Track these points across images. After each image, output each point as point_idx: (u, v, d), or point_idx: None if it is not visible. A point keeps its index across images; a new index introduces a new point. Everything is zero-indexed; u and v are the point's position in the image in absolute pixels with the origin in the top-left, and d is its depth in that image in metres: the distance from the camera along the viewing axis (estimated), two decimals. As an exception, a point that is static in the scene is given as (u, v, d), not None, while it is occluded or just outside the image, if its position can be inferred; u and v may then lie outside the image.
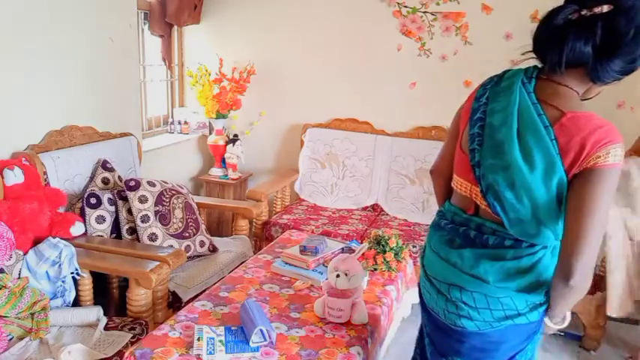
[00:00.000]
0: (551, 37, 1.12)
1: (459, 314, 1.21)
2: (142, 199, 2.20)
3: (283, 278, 1.91)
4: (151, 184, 2.28)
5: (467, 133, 1.21)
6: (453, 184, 1.32)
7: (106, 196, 2.24)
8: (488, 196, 1.15)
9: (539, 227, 1.13)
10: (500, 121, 1.14)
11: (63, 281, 1.86)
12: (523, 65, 1.28)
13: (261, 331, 1.44)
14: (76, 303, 1.93)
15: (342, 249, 2.13)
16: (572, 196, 1.08)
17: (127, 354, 1.42)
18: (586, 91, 1.18)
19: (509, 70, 1.23)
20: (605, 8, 1.06)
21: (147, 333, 1.73)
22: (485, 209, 1.19)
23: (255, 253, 2.32)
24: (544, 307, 1.19)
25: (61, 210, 2.14)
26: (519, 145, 1.11)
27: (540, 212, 1.11)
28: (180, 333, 1.50)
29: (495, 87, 1.20)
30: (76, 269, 1.88)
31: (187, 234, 2.32)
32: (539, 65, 1.21)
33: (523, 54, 1.23)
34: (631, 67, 1.17)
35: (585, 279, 1.08)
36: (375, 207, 3.27)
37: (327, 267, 1.84)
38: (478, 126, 1.18)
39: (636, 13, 1.06)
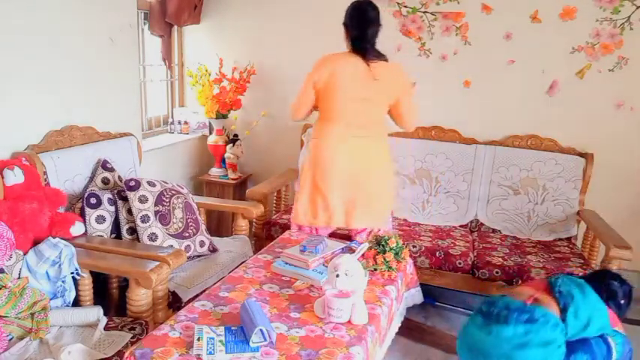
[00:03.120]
0: None
1: None
2: (142, 199, 2.20)
3: (283, 278, 1.91)
4: (151, 184, 2.28)
5: None
6: None
7: (106, 196, 2.24)
8: None
9: None
10: None
11: (63, 281, 1.86)
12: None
13: (261, 331, 1.44)
14: (76, 303, 1.93)
15: (342, 249, 2.13)
16: None
17: (127, 354, 1.42)
18: None
19: None
20: None
21: (147, 333, 1.73)
22: None
23: (255, 253, 2.32)
24: None
25: (61, 210, 2.14)
26: None
27: None
28: (180, 333, 1.50)
29: None
30: (76, 269, 1.88)
31: (187, 234, 2.32)
32: None
33: None
34: None
35: None
36: (375, 207, 3.27)
37: (327, 267, 1.84)
38: None
39: None
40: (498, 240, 2.89)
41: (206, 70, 3.45)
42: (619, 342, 1.76)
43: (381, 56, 2.28)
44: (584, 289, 1.78)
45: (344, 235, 2.51)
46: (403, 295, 2.11)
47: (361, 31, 2.23)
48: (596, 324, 1.71)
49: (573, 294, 1.72)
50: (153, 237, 2.19)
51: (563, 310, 1.67)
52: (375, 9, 2.26)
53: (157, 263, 1.87)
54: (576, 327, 1.68)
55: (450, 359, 2.42)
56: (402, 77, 2.35)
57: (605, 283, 1.85)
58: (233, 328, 1.52)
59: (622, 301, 1.85)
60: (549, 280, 1.83)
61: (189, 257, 2.26)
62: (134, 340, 1.70)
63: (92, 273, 1.95)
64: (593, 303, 1.74)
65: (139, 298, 1.85)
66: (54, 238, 1.93)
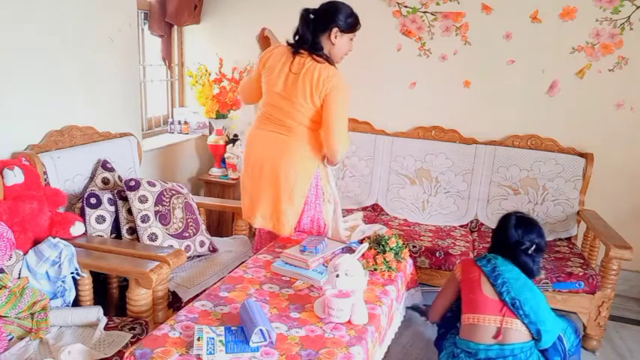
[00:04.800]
0: None
1: None
2: (142, 199, 2.20)
3: (283, 278, 1.91)
4: (151, 184, 2.28)
5: None
6: None
7: (106, 196, 2.24)
8: None
9: None
10: None
11: (63, 281, 1.86)
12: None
13: (261, 331, 1.44)
14: (76, 303, 1.93)
15: (342, 249, 2.13)
16: None
17: (127, 354, 1.42)
18: None
19: None
20: None
21: (147, 333, 1.73)
22: None
23: (255, 253, 2.32)
24: None
25: (61, 210, 2.14)
26: None
27: None
28: (180, 333, 1.50)
29: None
30: (76, 269, 1.87)
31: (187, 234, 2.32)
32: None
33: None
34: None
35: None
36: (375, 207, 3.27)
37: (327, 267, 1.84)
38: None
39: None
40: (498, 240, 2.89)
41: (206, 70, 3.44)
42: (566, 329, 1.90)
43: (314, 51, 2.15)
44: (534, 293, 1.83)
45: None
46: (403, 294, 2.11)
47: (299, 27, 2.20)
48: (557, 324, 1.84)
49: (537, 311, 1.79)
50: (153, 237, 2.19)
51: (537, 334, 1.79)
52: (310, 12, 2.18)
53: (157, 263, 1.87)
54: (549, 339, 1.81)
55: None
56: (328, 83, 2.11)
57: (532, 260, 1.90)
58: (233, 328, 1.52)
59: (542, 251, 1.94)
60: (500, 294, 1.81)
61: (189, 257, 2.26)
62: (134, 340, 1.70)
63: (92, 273, 1.95)
64: (548, 308, 1.84)
65: (139, 298, 1.85)
66: (54, 238, 1.92)
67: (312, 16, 2.16)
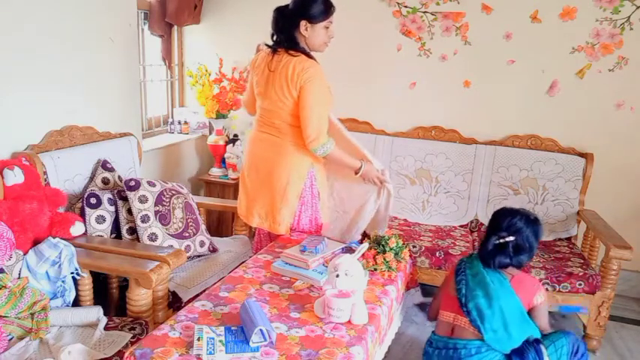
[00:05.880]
0: None
1: None
2: (142, 199, 2.20)
3: (283, 278, 1.91)
4: (151, 184, 2.28)
5: None
6: None
7: (106, 196, 2.24)
8: None
9: None
10: None
11: (63, 281, 1.86)
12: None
13: (261, 331, 1.44)
14: (76, 303, 1.93)
15: (342, 249, 2.13)
16: None
17: (127, 354, 1.42)
18: None
19: None
20: None
21: (147, 333, 1.73)
22: None
23: (255, 253, 2.32)
24: None
25: (61, 210, 2.14)
26: None
27: None
28: (180, 333, 1.50)
29: None
30: (76, 269, 1.87)
31: (187, 234, 2.32)
32: None
33: None
34: None
35: None
36: (375, 207, 3.27)
37: (327, 267, 1.84)
38: None
39: None
40: (498, 240, 2.89)
41: (206, 70, 3.45)
42: (559, 345, 1.80)
43: (290, 46, 2.15)
44: (488, 289, 1.78)
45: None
46: (403, 295, 2.11)
47: (272, 28, 2.22)
48: (513, 321, 1.77)
49: (480, 307, 1.78)
50: (153, 237, 2.19)
51: (480, 331, 1.78)
52: (280, 10, 2.19)
53: (157, 263, 1.87)
54: (498, 338, 1.77)
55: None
56: (303, 74, 2.09)
57: (508, 259, 1.79)
58: (233, 328, 1.52)
59: (527, 247, 1.80)
60: (456, 291, 1.85)
61: (189, 257, 2.26)
62: (134, 340, 1.70)
63: (92, 273, 1.96)
64: (500, 307, 1.77)
65: (139, 298, 1.85)
66: (54, 238, 1.92)
67: (281, 15, 2.17)
